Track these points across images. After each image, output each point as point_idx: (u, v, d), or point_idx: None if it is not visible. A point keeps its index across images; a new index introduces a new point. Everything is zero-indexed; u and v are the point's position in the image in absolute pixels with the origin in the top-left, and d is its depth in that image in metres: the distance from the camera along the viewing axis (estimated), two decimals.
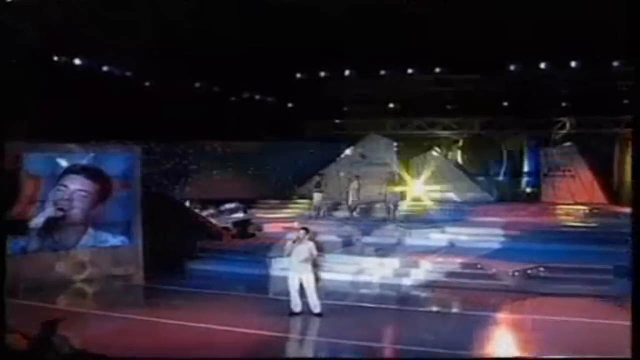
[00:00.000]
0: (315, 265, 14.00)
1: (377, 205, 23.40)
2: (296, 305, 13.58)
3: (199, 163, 25.27)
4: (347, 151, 26.49)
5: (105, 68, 23.23)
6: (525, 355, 10.60)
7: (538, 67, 25.64)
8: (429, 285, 16.43)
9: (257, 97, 26.78)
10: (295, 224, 21.61)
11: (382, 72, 26.00)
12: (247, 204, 24.20)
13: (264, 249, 18.97)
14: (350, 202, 23.01)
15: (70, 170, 17.24)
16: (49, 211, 16.92)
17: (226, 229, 21.48)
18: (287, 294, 13.75)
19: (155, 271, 18.33)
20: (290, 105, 28.08)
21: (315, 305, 13.47)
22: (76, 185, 17.34)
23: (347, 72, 26.34)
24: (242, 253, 19.23)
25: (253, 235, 21.29)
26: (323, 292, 14.37)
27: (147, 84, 23.95)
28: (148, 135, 22.39)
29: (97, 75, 22.79)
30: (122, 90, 22.20)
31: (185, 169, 24.75)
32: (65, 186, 17.15)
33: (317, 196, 23.20)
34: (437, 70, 25.75)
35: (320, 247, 14.73)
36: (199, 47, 21.60)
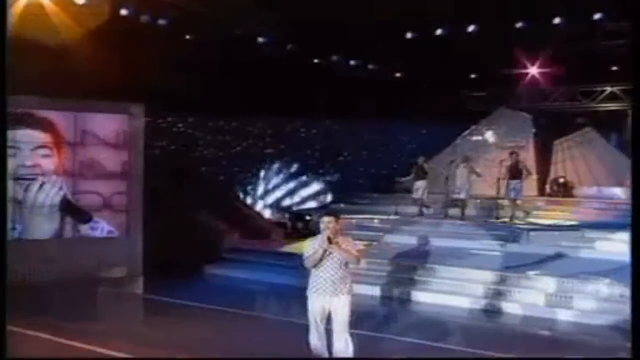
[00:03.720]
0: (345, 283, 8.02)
1: (499, 201, 16.58)
2: (316, 347, 7.70)
3: (276, 145, 20.22)
4: (468, 132, 19.94)
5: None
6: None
7: None
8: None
9: (353, 63, 20.99)
10: (376, 221, 15.88)
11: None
12: (331, 195, 18.70)
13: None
14: (455, 194, 16.57)
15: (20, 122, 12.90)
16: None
17: (281, 225, 16.25)
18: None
19: (159, 276, 13.60)
20: (398, 74, 21.96)
21: (341, 350, 7.59)
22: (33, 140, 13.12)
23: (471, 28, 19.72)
24: (281, 257, 13.90)
25: (313, 234, 15.80)
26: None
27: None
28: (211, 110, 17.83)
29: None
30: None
31: (260, 151, 19.83)
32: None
33: (417, 186, 16.95)
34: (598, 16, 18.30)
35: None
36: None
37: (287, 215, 16.81)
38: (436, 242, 14.05)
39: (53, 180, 13.25)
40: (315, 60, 19.99)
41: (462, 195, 16.31)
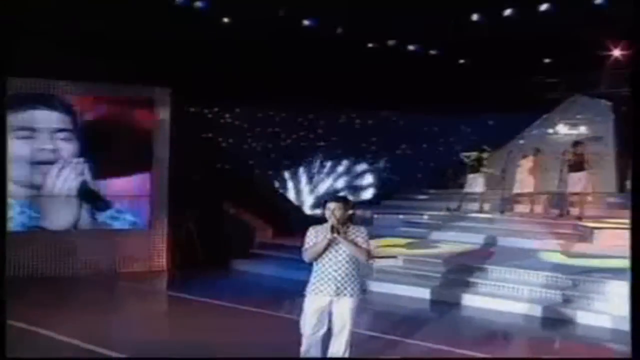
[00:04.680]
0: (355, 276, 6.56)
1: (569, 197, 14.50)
2: (309, 349, 6.34)
3: (327, 137, 18.82)
4: (538, 121, 17.87)
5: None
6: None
7: None
8: None
9: (412, 48, 19.32)
10: (425, 217, 14.34)
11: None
12: (383, 190, 17.14)
13: None
14: (515, 189, 14.72)
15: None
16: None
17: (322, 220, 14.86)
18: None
19: (183, 272, 12.54)
20: (462, 60, 20.11)
21: (341, 341, 6.23)
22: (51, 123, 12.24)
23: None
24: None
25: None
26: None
27: None
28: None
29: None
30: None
31: (311, 144, 18.50)
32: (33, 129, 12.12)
33: (474, 180, 15.13)
34: None
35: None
36: None
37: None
38: (492, 241, 12.43)
39: (72, 165, 12.43)
40: (370, 45, 18.50)
41: (524, 190, 14.54)
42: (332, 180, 17.58)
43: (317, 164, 18.31)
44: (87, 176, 12.44)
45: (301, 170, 18.07)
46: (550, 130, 17.93)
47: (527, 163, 14.71)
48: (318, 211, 15.80)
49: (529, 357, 8.18)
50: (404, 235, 13.42)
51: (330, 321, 6.31)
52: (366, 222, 14.81)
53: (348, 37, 17.55)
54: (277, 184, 16.51)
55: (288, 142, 18.68)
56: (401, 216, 14.65)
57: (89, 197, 12.44)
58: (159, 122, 12.89)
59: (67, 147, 12.38)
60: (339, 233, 6.08)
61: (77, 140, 12.41)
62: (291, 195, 16.34)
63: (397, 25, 17.24)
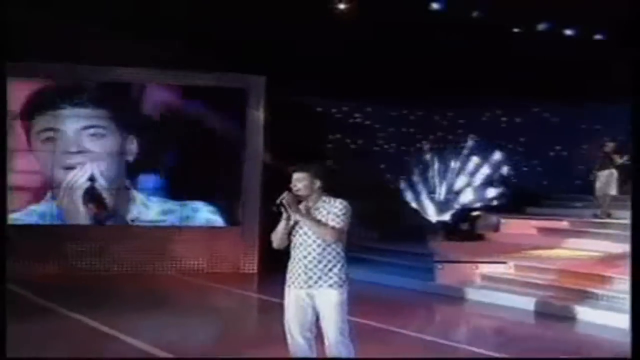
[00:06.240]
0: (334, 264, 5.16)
1: None
2: (297, 349, 5.06)
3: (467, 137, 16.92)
4: None
5: None
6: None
7: None
8: None
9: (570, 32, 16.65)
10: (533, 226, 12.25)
11: None
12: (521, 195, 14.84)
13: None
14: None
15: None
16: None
17: (444, 225, 13.21)
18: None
19: (275, 273, 11.48)
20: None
21: (333, 344, 4.94)
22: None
23: None
24: (416, 258, 10.99)
25: (480, 237, 12.51)
26: None
27: None
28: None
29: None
30: None
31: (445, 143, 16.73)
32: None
33: (602, 179, 12.51)
34: None
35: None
36: None
37: (450, 214, 13.57)
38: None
39: (158, 158, 11.99)
40: (516, 30, 16.27)
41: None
42: (470, 185, 15.66)
43: (454, 167, 16.49)
44: (174, 169, 11.93)
45: (434, 173, 16.37)
46: None
47: None
48: (445, 218, 14.13)
49: None
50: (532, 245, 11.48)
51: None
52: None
53: (491, 20, 15.58)
54: (401, 187, 14.95)
55: (423, 143, 17.14)
56: (533, 222, 12.53)
57: (174, 191, 11.89)
58: (252, 113, 12.06)
59: (153, 139, 11.95)
60: (285, 209, 4.96)
61: (162, 133, 11.95)
62: (415, 198, 14.68)
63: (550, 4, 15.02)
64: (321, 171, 5.14)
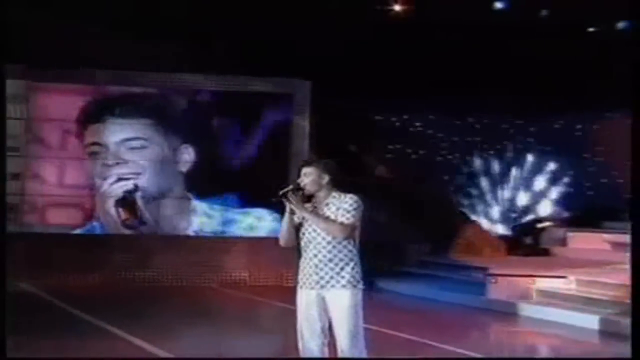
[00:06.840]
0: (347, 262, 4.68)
1: None
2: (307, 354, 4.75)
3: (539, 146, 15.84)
4: None
5: None
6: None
7: None
8: None
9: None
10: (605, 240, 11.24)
11: None
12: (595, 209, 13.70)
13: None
14: None
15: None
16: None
17: (508, 239, 12.30)
18: None
19: None
20: None
21: (345, 350, 4.59)
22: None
23: None
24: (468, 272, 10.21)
25: (545, 251, 11.57)
26: None
27: None
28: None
29: None
30: None
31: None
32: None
33: None
34: None
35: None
36: None
37: (512, 227, 12.65)
38: None
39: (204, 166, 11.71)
40: (591, 29, 15.07)
41: None
42: (535, 196, 14.65)
43: (522, 176, 15.49)
44: (222, 176, 11.66)
45: (499, 183, 15.43)
46: None
47: None
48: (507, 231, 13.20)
49: None
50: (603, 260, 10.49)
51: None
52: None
53: (568, 24, 14.55)
54: (461, 199, 14.12)
55: (491, 152, 16.21)
56: (605, 235, 11.48)
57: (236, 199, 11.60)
58: (297, 119, 11.64)
59: (206, 147, 11.71)
60: (289, 201, 4.65)
61: (208, 138, 11.68)
62: (475, 210, 13.80)
63: None
64: (330, 166, 4.81)
